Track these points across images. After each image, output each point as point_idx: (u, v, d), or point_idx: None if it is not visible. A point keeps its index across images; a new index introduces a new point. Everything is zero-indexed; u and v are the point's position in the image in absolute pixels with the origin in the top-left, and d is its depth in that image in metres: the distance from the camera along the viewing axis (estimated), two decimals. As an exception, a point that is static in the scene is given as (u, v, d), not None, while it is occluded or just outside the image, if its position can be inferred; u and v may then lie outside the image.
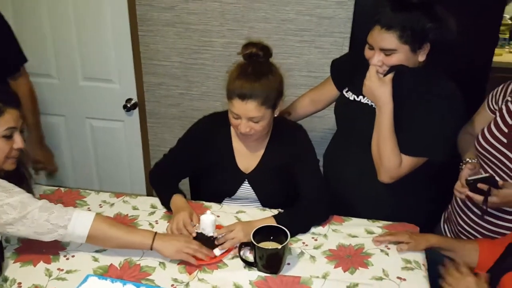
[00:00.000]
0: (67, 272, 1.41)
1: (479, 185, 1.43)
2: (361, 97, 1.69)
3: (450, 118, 1.56)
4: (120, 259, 1.46)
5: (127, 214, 1.69)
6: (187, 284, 1.37)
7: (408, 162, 1.58)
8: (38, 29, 2.55)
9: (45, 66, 2.63)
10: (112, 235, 1.43)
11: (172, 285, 1.36)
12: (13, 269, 1.42)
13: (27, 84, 2.13)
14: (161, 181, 1.76)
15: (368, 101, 1.66)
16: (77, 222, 1.39)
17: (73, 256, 1.48)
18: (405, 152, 1.57)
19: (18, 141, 1.42)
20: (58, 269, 1.42)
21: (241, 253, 1.44)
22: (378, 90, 1.54)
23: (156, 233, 1.47)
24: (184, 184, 1.86)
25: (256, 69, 1.56)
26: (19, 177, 1.51)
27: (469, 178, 1.46)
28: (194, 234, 1.50)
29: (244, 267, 1.44)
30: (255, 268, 1.43)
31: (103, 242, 1.45)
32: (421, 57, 1.54)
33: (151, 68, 2.59)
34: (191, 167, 1.79)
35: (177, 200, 1.65)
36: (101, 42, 2.52)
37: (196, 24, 2.41)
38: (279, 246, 1.39)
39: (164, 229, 1.60)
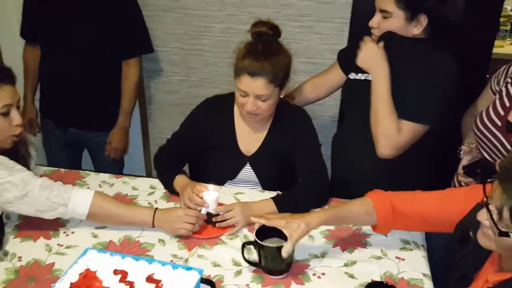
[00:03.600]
0: (67, 247, 1.42)
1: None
2: (361, 74, 1.71)
3: (447, 84, 1.56)
4: (119, 236, 1.47)
5: (127, 194, 1.70)
6: (186, 260, 1.38)
7: (407, 128, 1.56)
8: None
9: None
10: (112, 212, 1.44)
11: (172, 260, 1.37)
12: (13, 244, 1.43)
13: (137, 73, 2.27)
14: (165, 165, 1.77)
15: (368, 76, 1.67)
16: (77, 200, 1.40)
17: (72, 233, 1.48)
18: (403, 116, 1.56)
19: (16, 118, 1.42)
20: (58, 244, 1.43)
21: (245, 253, 1.35)
22: (370, 55, 1.58)
23: (156, 209, 1.48)
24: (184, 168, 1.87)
25: (266, 47, 1.57)
26: (18, 156, 1.51)
27: (464, 165, 1.48)
28: (200, 209, 1.50)
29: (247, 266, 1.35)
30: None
31: (103, 219, 1.46)
32: (416, 30, 1.56)
33: (150, 55, 2.58)
34: (193, 150, 1.78)
35: (180, 180, 1.66)
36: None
37: (195, 9, 2.41)
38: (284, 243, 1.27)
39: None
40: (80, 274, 1.18)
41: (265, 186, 1.77)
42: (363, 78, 1.71)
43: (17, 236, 1.46)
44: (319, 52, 2.35)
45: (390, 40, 1.58)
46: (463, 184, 1.61)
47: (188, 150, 1.78)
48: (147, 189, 1.73)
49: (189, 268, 1.21)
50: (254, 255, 1.36)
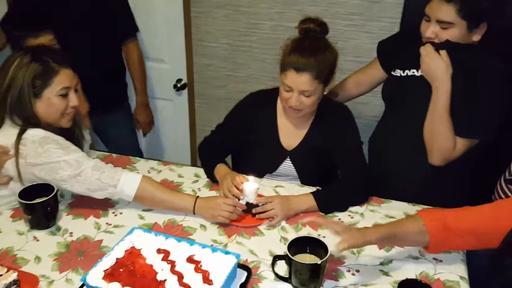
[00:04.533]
0: (115, 226, 1.51)
1: None
2: (409, 71, 1.68)
3: (501, 99, 1.53)
4: (164, 219, 1.55)
5: (173, 181, 1.78)
6: (225, 245, 1.43)
7: (462, 144, 1.56)
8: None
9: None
10: (157, 196, 1.52)
11: (212, 244, 1.42)
12: (65, 221, 1.53)
13: (137, 51, 2.43)
14: (208, 154, 1.82)
15: (415, 72, 1.65)
16: (126, 183, 1.49)
17: (121, 213, 1.57)
18: (460, 134, 1.55)
19: (73, 99, 1.53)
20: (107, 223, 1.52)
21: (275, 267, 1.29)
22: (437, 68, 1.52)
23: (197, 197, 1.54)
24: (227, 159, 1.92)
25: (313, 44, 1.59)
26: (74, 137, 1.62)
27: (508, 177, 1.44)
28: (240, 198, 1.54)
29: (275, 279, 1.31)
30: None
31: (148, 202, 1.54)
32: (476, 37, 1.52)
33: (201, 49, 2.66)
34: (236, 142, 1.83)
35: (220, 169, 1.71)
36: (155, 22, 2.62)
37: (246, 6, 2.45)
38: (319, 261, 1.22)
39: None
40: (126, 251, 1.27)
41: (304, 181, 1.79)
42: (410, 74, 1.69)
43: (69, 213, 1.57)
44: (367, 51, 2.33)
45: (452, 51, 1.53)
46: (508, 193, 1.57)
47: (230, 141, 1.83)
48: (191, 177, 1.79)
49: (227, 252, 1.26)
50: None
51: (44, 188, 1.46)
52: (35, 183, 1.48)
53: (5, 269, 1.21)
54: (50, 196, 1.44)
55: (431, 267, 1.37)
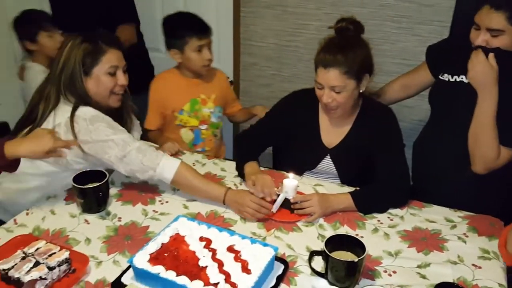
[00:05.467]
0: (161, 214, 1.58)
1: None
2: (458, 77, 1.67)
3: None
4: (207, 209, 1.61)
5: (216, 174, 1.84)
6: (264, 238, 1.47)
7: (507, 153, 1.54)
8: (150, 5, 2.79)
9: (155, 41, 2.85)
10: (192, 183, 1.60)
11: (251, 236, 1.46)
12: (115, 206, 1.62)
13: (126, 39, 2.45)
14: (243, 147, 1.86)
15: (463, 79, 1.63)
16: (165, 167, 1.57)
17: (167, 202, 1.65)
18: (505, 143, 1.53)
19: (121, 78, 1.63)
20: (153, 210, 1.60)
21: (312, 262, 1.31)
22: (485, 75, 1.51)
23: (229, 189, 1.61)
24: (267, 155, 1.96)
25: (342, 41, 1.61)
26: (122, 121, 1.71)
27: None
28: (275, 197, 1.57)
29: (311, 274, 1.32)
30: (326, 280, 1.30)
31: (184, 187, 1.63)
32: None
33: (248, 48, 2.72)
34: (274, 137, 1.86)
35: (251, 165, 1.74)
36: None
37: (294, 6, 2.49)
38: (356, 259, 1.24)
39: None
40: (170, 237, 1.33)
41: (344, 180, 1.81)
42: (458, 80, 1.67)
43: (119, 199, 1.65)
44: (415, 54, 2.31)
45: (503, 58, 1.51)
46: None
47: (269, 137, 1.86)
48: (234, 172, 1.84)
49: (265, 245, 1.30)
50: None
51: (97, 174, 1.55)
52: (88, 169, 1.58)
53: (58, 248, 1.29)
54: (102, 182, 1.53)
55: (469, 272, 1.35)
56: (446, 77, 1.72)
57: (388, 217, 1.60)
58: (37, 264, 1.23)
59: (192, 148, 2.24)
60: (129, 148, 1.55)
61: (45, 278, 1.21)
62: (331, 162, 1.80)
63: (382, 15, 2.31)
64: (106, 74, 1.60)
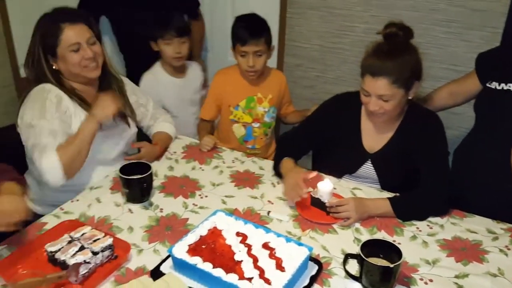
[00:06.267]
0: (200, 207, 1.63)
1: None
2: (505, 85, 1.62)
3: None
4: (244, 206, 1.64)
5: (254, 172, 1.87)
6: (299, 238, 1.49)
7: None
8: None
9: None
10: (75, 150, 1.61)
11: (286, 235, 1.48)
12: (157, 198, 1.68)
13: (201, 25, 2.68)
14: (283, 148, 1.87)
15: (511, 87, 1.59)
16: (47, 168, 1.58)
17: (206, 196, 1.69)
18: None
19: (87, 52, 1.67)
20: (193, 204, 1.65)
21: (346, 265, 1.32)
22: None
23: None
24: (306, 156, 1.95)
25: (392, 47, 1.56)
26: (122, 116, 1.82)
27: None
28: (305, 196, 1.56)
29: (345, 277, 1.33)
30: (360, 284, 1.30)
31: (77, 162, 1.63)
32: None
33: (292, 50, 2.73)
34: (315, 140, 1.86)
35: (286, 163, 1.73)
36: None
37: (340, 8, 2.48)
38: (391, 264, 1.23)
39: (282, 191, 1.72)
40: (208, 230, 1.37)
41: (384, 186, 1.79)
42: (506, 88, 1.63)
43: (161, 191, 1.71)
44: (465, 60, 2.25)
45: None
46: None
47: (310, 139, 1.86)
48: (272, 171, 1.86)
49: (300, 244, 1.32)
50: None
51: (142, 166, 1.62)
52: (134, 161, 1.66)
53: (103, 234, 1.36)
54: (147, 174, 1.59)
55: (509, 286, 1.31)
56: (493, 84, 1.67)
57: (428, 225, 1.58)
58: (82, 248, 1.30)
59: (243, 145, 2.29)
60: (42, 141, 1.58)
61: (88, 262, 1.27)
62: (372, 167, 1.79)
63: (431, 19, 2.26)
64: (70, 52, 1.65)
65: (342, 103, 1.83)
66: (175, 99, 2.39)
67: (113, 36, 2.69)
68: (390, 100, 1.57)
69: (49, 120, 1.61)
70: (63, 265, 1.27)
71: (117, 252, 1.35)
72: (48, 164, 1.55)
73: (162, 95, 2.34)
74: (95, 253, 1.29)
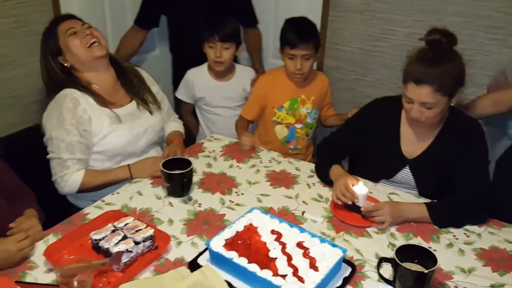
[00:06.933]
0: (236, 204, 1.67)
1: None
2: None
3: None
4: (279, 205, 1.67)
5: (290, 173, 1.90)
6: (333, 239, 1.50)
7: None
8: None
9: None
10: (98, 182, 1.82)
11: (320, 236, 1.50)
12: (196, 193, 1.73)
13: (257, 36, 2.75)
14: (324, 155, 1.88)
15: None
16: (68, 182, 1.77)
17: (242, 194, 1.73)
18: None
19: (83, 31, 1.76)
20: (230, 200, 1.69)
21: (380, 268, 1.33)
22: None
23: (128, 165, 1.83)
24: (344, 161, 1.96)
25: (436, 55, 1.54)
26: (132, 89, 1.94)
27: None
28: (350, 202, 1.58)
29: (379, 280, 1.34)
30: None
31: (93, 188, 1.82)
32: None
33: (333, 52, 2.74)
34: (354, 144, 1.86)
35: (335, 170, 1.75)
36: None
37: (383, 12, 2.47)
38: (426, 270, 1.24)
39: (319, 192, 1.76)
40: (245, 226, 1.41)
41: (421, 192, 1.77)
42: None
43: (200, 187, 1.77)
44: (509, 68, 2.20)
45: None
46: None
47: (349, 144, 1.87)
48: (307, 172, 1.89)
49: (334, 245, 1.34)
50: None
51: (183, 162, 1.68)
52: (175, 157, 1.73)
53: (144, 225, 1.42)
54: (188, 169, 1.65)
55: (548, 299, 1.29)
56: None
57: (465, 233, 1.56)
58: (124, 238, 1.36)
59: (285, 145, 2.33)
60: (61, 146, 1.73)
61: (130, 251, 1.33)
62: (410, 173, 1.77)
63: (475, 25, 2.21)
64: (69, 37, 1.74)
65: (382, 108, 1.83)
66: (216, 97, 2.44)
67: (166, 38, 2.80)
68: (433, 108, 1.56)
69: (66, 130, 1.72)
70: (106, 252, 1.34)
71: (157, 243, 1.40)
72: (68, 181, 1.75)
73: (202, 92, 2.42)
74: (137, 243, 1.35)
